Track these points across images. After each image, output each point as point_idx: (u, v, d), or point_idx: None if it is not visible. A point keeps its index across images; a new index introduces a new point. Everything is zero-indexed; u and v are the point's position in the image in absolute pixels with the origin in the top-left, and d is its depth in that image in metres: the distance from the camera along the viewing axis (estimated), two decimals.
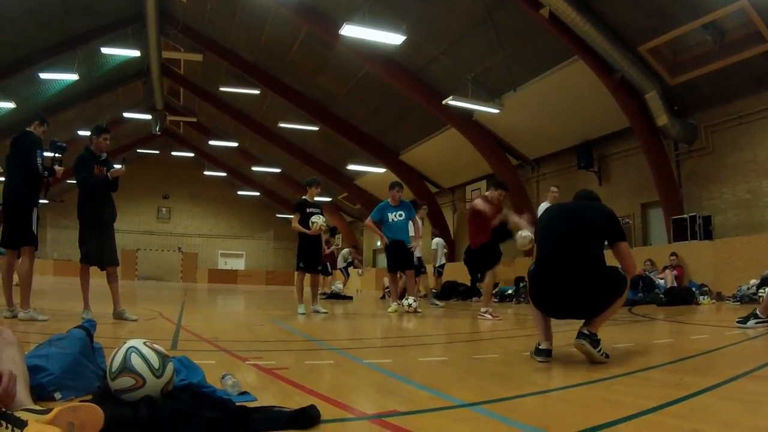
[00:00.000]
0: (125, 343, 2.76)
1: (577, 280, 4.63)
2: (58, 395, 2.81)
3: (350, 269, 25.51)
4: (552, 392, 3.66)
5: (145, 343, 2.75)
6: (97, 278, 8.12)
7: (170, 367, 2.74)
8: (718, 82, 15.98)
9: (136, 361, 2.64)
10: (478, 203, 10.46)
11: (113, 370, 2.64)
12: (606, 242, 4.95)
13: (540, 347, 4.83)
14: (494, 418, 2.90)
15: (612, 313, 4.80)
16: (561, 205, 5.33)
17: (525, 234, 10.12)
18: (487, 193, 11.00)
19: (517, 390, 3.71)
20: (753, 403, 3.40)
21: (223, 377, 3.30)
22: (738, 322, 7.46)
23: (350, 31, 17.17)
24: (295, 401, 3.02)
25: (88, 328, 3.40)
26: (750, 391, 3.75)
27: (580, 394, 3.64)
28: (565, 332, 5.09)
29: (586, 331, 4.61)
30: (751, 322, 7.26)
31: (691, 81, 16.38)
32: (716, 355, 5.41)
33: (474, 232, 10.79)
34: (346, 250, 26.59)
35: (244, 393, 3.16)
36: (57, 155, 7.98)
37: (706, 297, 13.65)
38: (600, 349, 4.61)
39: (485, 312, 10.42)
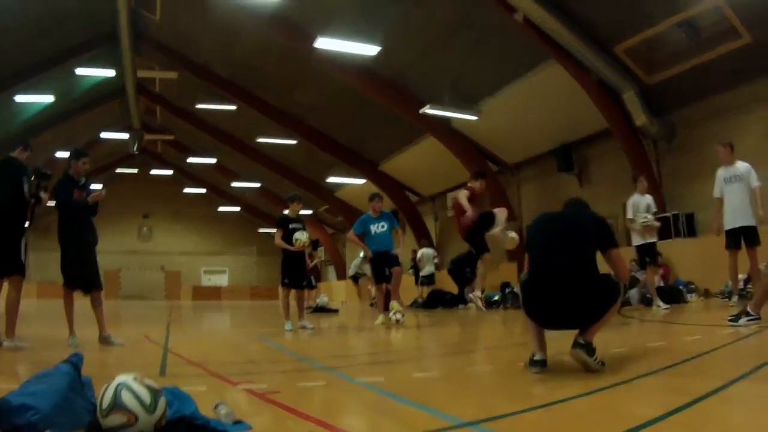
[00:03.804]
0: (115, 378, 2.66)
1: (572, 290, 4.58)
2: None
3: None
4: (552, 405, 3.56)
5: (135, 379, 2.65)
6: (82, 300, 7.99)
7: (162, 401, 2.64)
8: (694, 79, 16.00)
9: (126, 397, 2.54)
10: (462, 198, 10.69)
11: (104, 408, 2.53)
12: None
13: (534, 358, 4.76)
14: None
15: (607, 321, 4.74)
16: (552, 214, 5.26)
17: (513, 236, 10.33)
18: (471, 185, 11.13)
19: (516, 404, 3.63)
20: (756, 406, 3.40)
21: (216, 406, 3.20)
22: (729, 320, 7.42)
23: (324, 43, 17.13)
24: (290, 428, 2.94)
25: (75, 363, 3.30)
26: (752, 394, 3.74)
27: (581, 406, 3.58)
28: (556, 339, 5.03)
29: (581, 341, 4.56)
30: (743, 320, 7.21)
31: (667, 79, 16.43)
32: (712, 357, 5.38)
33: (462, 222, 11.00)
34: (357, 260, 26.32)
35: (238, 422, 3.05)
36: (42, 182, 7.86)
37: (693, 295, 13.64)
38: (596, 358, 4.56)
39: (475, 296, 10.72)
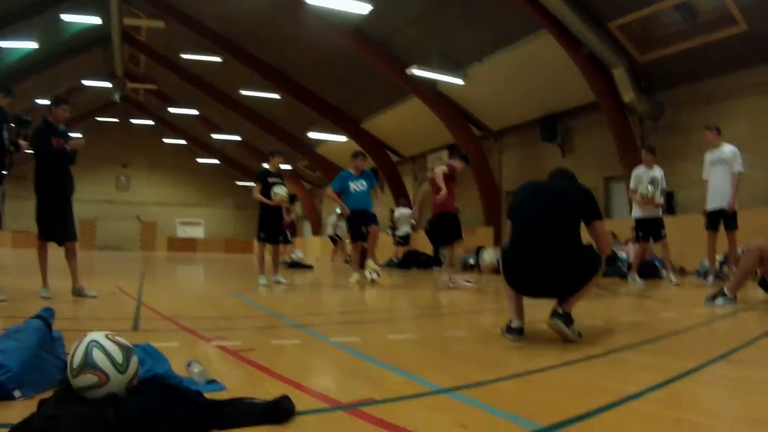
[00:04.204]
0: (86, 336, 2.56)
1: (554, 259, 4.57)
2: (17, 393, 2.63)
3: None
4: (529, 375, 3.56)
5: (107, 336, 2.55)
6: (57, 250, 7.87)
7: (135, 360, 2.55)
8: (687, 62, 16.01)
9: (98, 356, 2.44)
10: (438, 175, 10.57)
11: (74, 367, 2.44)
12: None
13: (512, 325, 4.78)
14: (475, 405, 2.81)
15: (586, 293, 4.74)
16: (537, 183, 5.23)
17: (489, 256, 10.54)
18: (452, 162, 11.02)
19: (493, 373, 3.61)
20: (733, 389, 3.38)
21: (188, 365, 3.14)
22: (706, 300, 7.46)
23: None
24: (265, 389, 2.89)
25: (46, 318, 3.22)
26: (727, 376, 3.74)
27: (559, 377, 3.57)
28: (532, 306, 5.01)
29: (560, 311, 4.56)
30: (719, 301, 7.25)
31: (659, 59, 16.43)
32: (688, 336, 5.42)
33: (446, 199, 10.86)
34: (332, 217, 26.06)
35: (211, 381, 3.00)
36: (22, 130, 7.67)
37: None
38: (573, 329, 4.57)
39: (466, 282, 10.77)
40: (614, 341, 4.78)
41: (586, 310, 6.39)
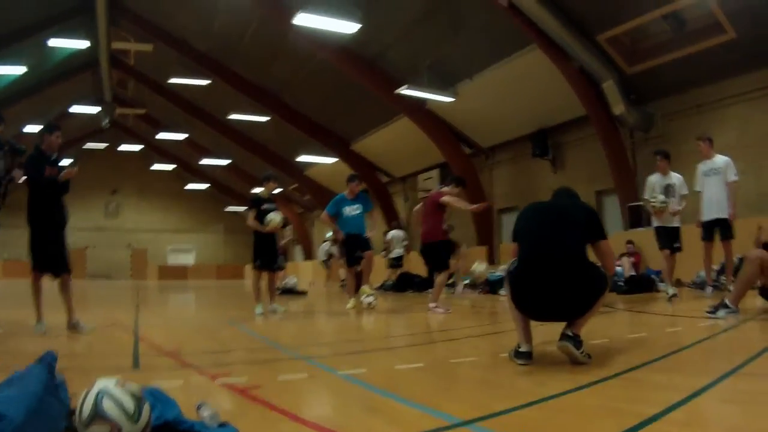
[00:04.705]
0: (95, 384, 2.47)
1: (562, 281, 4.51)
2: None
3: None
4: (545, 402, 3.48)
5: (116, 384, 2.46)
6: (49, 281, 7.71)
7: (146, 409, 2.45)
8: (676, 71, 16.10)
9: (108, 406, 2.34)
10: (452, 200, 10.58)
11: (84, 418, 2.34)
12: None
13: (520, 350, 4.70)
14: None
15: (594, 313, 4.71)
16: (541, 204, 5.20)
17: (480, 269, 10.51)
18: (447, 189, 10.97)
19: (508, 401, 3.52)
20: (752, 404, 3.34)
21: (198, 407, 3.03)
22: (708, 312, 7.43)
23: (304, 19, 16.80)
24: (280, 430, 2.80)
25: (50, 362, 3.12)
26: (744, 390, 3.72)
27: (575, 402, 3.51)
28: (536, 328, 4.96)
29: (569, 333, 4.54)
30: (721, 313, 7.23)
31: (648, 70, 16.52)
32: (697, 351, 5.38)
33: (432, 226, 10.74)
34: (326, 243, 25.86)
35: (224, 425, 2.89)
36: (16, 159, 7.54)
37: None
38: (583, 351, 4.53)
39: (435, 306, 10.52)
40: (624, 360, 4.72)
41: (589, 328, 6.33)
